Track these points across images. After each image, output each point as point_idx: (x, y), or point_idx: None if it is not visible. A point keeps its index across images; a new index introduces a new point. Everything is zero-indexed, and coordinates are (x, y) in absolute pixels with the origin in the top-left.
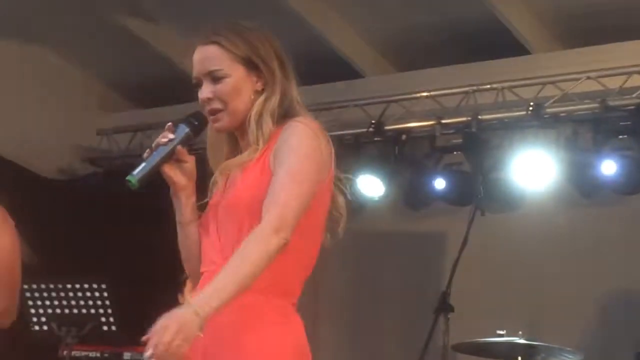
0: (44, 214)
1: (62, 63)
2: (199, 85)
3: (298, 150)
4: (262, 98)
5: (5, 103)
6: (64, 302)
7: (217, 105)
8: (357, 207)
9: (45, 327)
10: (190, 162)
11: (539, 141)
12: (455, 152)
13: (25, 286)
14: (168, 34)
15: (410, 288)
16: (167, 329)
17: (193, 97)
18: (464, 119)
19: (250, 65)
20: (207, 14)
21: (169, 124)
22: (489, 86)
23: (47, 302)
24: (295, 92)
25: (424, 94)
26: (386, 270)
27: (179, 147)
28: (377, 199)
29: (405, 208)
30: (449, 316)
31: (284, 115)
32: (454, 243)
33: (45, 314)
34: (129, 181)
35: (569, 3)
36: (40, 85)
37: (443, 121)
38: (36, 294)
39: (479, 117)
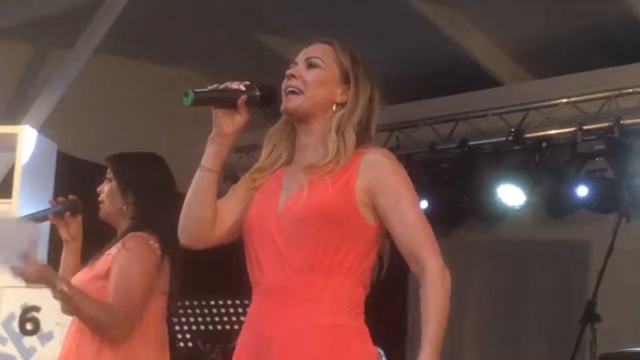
0: None
1: (203, 84)
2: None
3: (409, 187)
4: (344, 110)
5: (151, 125)
6: (208, 319)
7: (296, 83)
8: (498, 216)
9: (190, 344)
10: (243, 116)
11: None
12: (597, 159)
13: None
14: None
15: (554, 297)
16: None
17: None
18: (605, 124)
19: (345, 76)
20: (346, 30)
21: (247, 82)
22: (631, 90)
23: (192, 319)
24: (373, 129)
25: (564, 100)
26: (529, 280)
27: (244, 97)
28: (518, 208)
29: (547, 216)
30: (595, 326)
31: (359, 142)
32: (597, 251)
33: (190, 331)
34: (187, 93)
35: None
36: (182, 106)
37: (584, 127)
38: (181, 311)
39: (622, 122)
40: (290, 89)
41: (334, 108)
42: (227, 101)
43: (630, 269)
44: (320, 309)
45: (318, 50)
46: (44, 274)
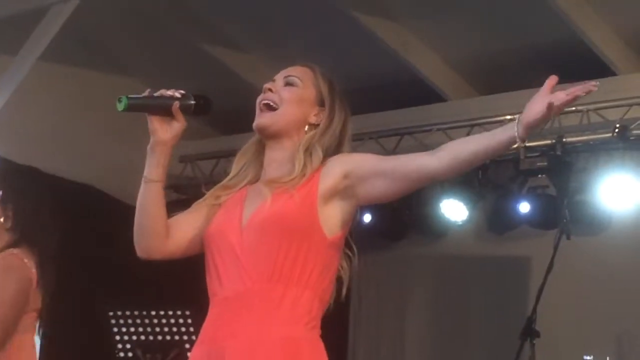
0: (128, 241)
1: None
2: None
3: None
4: (315, 131)
5: (96, 133)
6: (149, 329)
7: (273, 97)
8: (441, 231)
9: (130, 354)
10: (181, 124)
11: (625, 163)
12: (540, 175)
13: (111, 313)
14: (252, 62)
15: (495, 313)
16: None
17: None
18: (548, 141)
19: (321, 99)
20: (291, 42)
21: (181, 91)
22: (573, 108)
23: (132, 329)
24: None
25: (508, 117)
26: (470, 295)
27: (177, 104)
28: (460, 223)
29: (489, 232)
30: (534, 342)
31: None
32: (538, 267)
33: (130, 341)
34: (120, 99)
35: None
36: (128, 115)
37: (527, 144)
38: (121, 321)
39: (564, 139)
40: (266, 101)
41: (305, 128)
42: (161, 108)
43: (569, 285)
44: (277, 320)
45: (297, 71)
46: None
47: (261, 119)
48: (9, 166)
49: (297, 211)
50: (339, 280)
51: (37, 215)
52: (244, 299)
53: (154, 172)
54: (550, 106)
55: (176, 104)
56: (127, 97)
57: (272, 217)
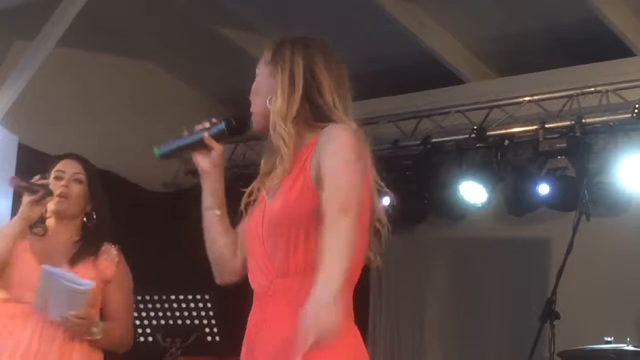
0: (151, 226)
1: (168, 78)
2: None
3: (342, 153)
4: (272, 104)
5: (114, 118)
6: (169, 314)
7: (251, 106)
8: (460, 214)
9: (150, 338)
10: (217, 150)
11: None
12: (559, 157)
13: None
14: None
15: (514, 295)
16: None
17: None
18: (567, 122)
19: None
20: (308, 25)
21: (213, 119)
22: (592, 89)
23: (152, 314)
24: (331, 98)
25: (527, 98)
26: (490, 277)
27: (206, 134)
28: (480, 205)
29: (509, 214)
30: (554, 323)
31: (317, 119)
32: (558, 249)
33: (150, 325)
34: (154, 151)
35: None
36: (146, 100)
37: (546, 125)
38: (141, 306)
39: (583, 120)
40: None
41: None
42: (194, 144)
43: (589, 266)
44: (299, 311)
45: (258, 66)
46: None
47: (253, 128)
48: (93, 168)
49: (298, 200)
50: None
51: (108, 215)
52: (269, 294)
53: (208, 201)
54: None
55: (204, 135)
56: (157, 149)
57: (278, 211)
